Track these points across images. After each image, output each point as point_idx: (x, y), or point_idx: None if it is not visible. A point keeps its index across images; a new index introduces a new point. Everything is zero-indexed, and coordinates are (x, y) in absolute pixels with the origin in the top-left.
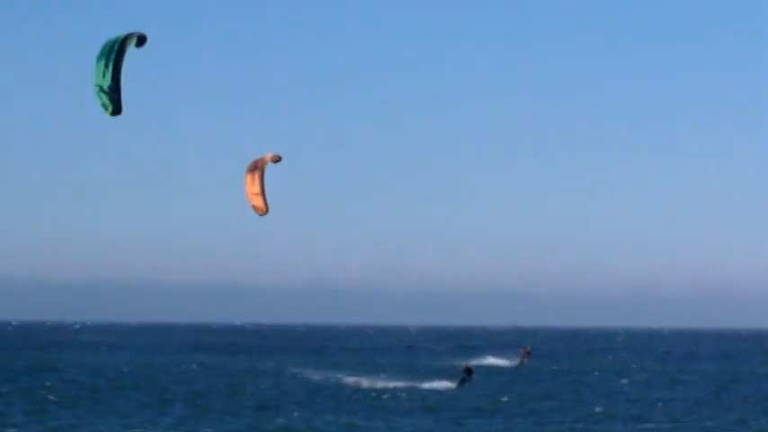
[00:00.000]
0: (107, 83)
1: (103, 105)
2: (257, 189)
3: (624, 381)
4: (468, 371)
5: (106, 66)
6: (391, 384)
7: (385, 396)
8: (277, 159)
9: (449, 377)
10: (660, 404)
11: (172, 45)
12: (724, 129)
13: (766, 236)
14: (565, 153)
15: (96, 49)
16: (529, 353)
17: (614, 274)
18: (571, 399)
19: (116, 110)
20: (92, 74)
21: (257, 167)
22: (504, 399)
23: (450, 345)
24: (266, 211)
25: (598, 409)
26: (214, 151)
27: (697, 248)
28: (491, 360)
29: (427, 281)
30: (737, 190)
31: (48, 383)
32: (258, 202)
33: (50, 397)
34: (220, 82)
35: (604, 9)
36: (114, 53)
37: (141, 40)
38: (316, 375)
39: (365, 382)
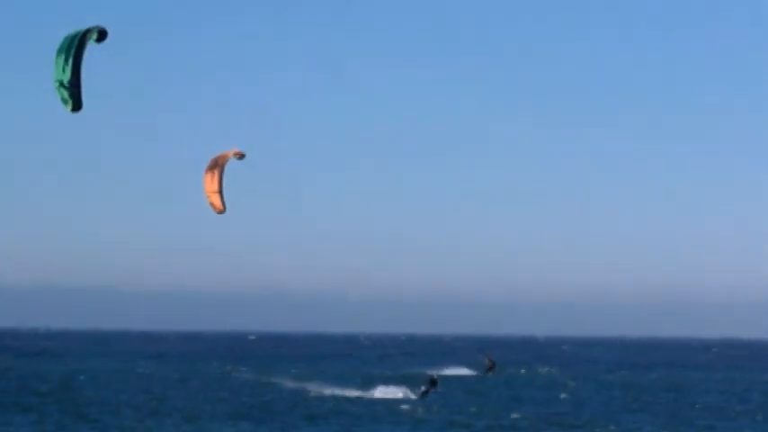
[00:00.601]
0: (67, 78)
1: (63, 101)
2: (216, 187)
3: (561, 389)
4: (433, 381)
5: (66, 61)
6: (337, 392)
7: (323, 404)
8: (240, 156)
9: (400, 386)
10: (586, 411)
11: (169, 44)
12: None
13: (719, 244)
14: (527, 165)
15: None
16: (493, 363)
17: (566, 281)
18: (501, 407)
19: (76, 105)
20: (51, 69)
21: (218, 164)
22: (421, 409)
23: (403, 352)
24: (224, 210)
25: (515, 416)
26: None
27: (648, 257)
28: (458, 370)
29: (379, 288)
30: (690, 191)
31: None
32: (216, 200)
33: None
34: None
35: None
36: (74, 48)
37: (102, 35)
38: (258, 383)
39: (311, 391)
